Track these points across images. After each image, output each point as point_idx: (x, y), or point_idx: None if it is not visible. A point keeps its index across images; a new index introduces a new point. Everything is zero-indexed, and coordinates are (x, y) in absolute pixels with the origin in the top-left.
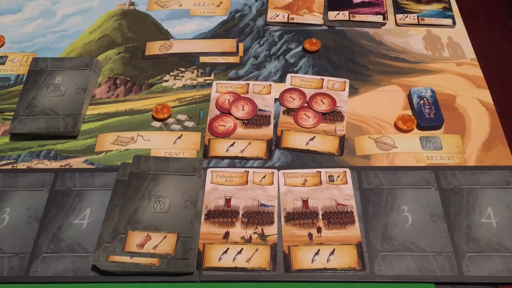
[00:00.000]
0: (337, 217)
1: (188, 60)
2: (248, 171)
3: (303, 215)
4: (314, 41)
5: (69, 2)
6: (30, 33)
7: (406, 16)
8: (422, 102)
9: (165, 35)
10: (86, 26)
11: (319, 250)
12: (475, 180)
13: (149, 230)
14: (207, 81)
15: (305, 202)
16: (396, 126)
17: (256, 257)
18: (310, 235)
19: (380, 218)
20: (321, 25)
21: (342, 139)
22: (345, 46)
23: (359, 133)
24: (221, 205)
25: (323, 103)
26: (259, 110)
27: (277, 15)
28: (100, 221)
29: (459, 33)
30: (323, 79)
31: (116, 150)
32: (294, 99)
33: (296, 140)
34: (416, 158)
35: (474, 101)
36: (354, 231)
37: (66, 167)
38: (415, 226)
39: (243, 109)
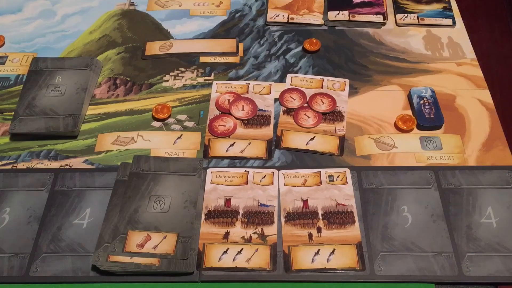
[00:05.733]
0: (337, 217)
1: (188, 60)
2: (248, 171)
3: (303, 215)
4: (314, 41)
5: (69, 2)
6: (30, 33)
7: (406, 16)
8: (422, 102)
9: (165, 35)
10: (86, 26)
11: (319, 250)
12: (475, 180)
13: (149, 230)
14: (207, 81)
15: (305, 202)
16: (396, 126)
17: (256, 257)
18: (310, 235)
19: (380, 218)
20: (321, 25)
21: (342, 139)
22: (345, 46)
23: (359, 133)
24: (221, 205)
25: (323, 103)
26: (259, 110)
27: (277, 15)
28: (100, 221)
29: (459, 33)
30: (323, 79)
31: (116, 150)
32: (294, 99)
33: (296, 140)
34: (416, 158)
35: (474, 101)
36: (354, 231)
37: (66, 167)
38: (415, 226)
39: (243, 109)
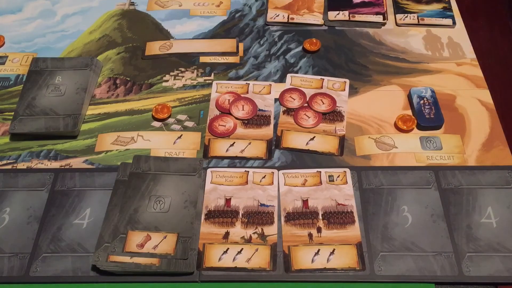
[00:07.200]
0: (337, 217)
1: (188, 60)
2: (248, 171)
3: (303, 215)
4: (314, 41)
5: (69, 2)
6: (30, 33)
7: (406, 16)
8: (422, 102)
9: (165, 35)
10: (86, 26)
11: (319, 250)
12: (475, 180)
13: (149, 230)
14: (207, 81)
15: (305, 202)
16: (396, 126)
17: (256, 257)
18: (310, 235)
19: (380, 218)
20: (321, 25)
21: (342, 139)
22: (345, 46)
23: (359, 133)
24: (221, 205)
25: (323, 103)
26: (259, 110)
27: (277, 15)
28: (100, 221)
29: (459, 33)
30: (323, 79)
31: (116, 150)
32: (294, 99)
33: (296, 140)
34: (416, 158)
35: (474, 101)
36: (354, 231)
37: (66, 167)
38: (415, 226)
39: (243, 109)
